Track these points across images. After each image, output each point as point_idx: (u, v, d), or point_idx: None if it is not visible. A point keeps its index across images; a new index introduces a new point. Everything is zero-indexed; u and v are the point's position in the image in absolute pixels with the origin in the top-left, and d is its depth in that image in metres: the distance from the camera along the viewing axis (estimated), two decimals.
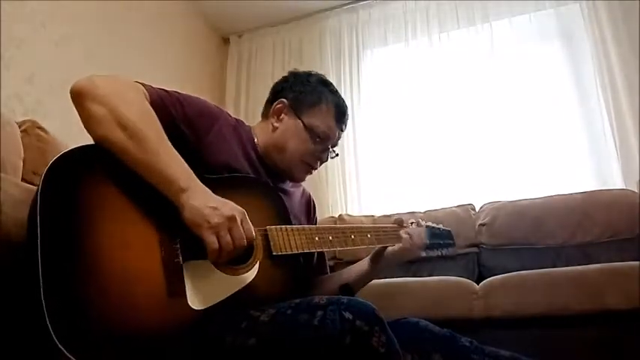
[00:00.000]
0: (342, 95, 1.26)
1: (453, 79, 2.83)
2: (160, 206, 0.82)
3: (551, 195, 2.20)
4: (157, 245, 0.79)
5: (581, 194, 2.16)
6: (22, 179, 1.37)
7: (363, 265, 1.20)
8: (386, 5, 3.08)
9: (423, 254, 1.24)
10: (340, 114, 1.19)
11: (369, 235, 1.12)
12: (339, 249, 1.06)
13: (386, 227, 1.19)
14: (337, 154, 1.21)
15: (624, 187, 2.25)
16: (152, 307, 0.74)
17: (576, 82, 2.65)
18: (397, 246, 1.15)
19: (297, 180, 1.20)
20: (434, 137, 2.78)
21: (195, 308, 0.78)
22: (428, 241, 1.23)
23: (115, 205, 0.78)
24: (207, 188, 0.85)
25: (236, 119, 1.15)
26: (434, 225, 1.31)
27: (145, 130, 0.84)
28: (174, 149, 0.86)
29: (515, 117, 2.66)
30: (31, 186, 1.07)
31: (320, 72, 1.25)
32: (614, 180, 2.37)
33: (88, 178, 0.79)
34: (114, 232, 0.76)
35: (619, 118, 2.41)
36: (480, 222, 2.24)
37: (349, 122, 3.15)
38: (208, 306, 0.79)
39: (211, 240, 0.80)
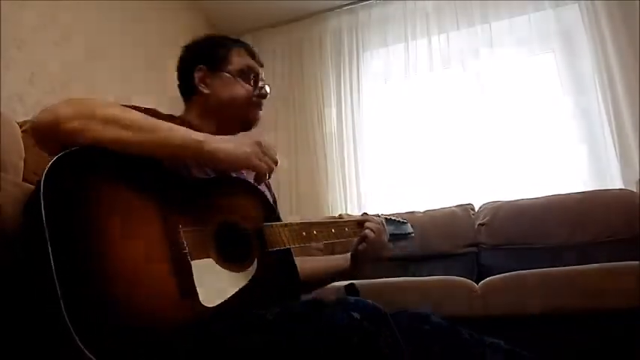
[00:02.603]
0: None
1: (453, 79, 2.83)
2: (166, 202, 0.82)
3: (550, 195, 2.21)
4: (165, 243, 0.79)
5: (580, 194, 2.17)
6: (23, 179, 1.37)
7: (342, 261, 1.23)
8: (385, 6, 3.09)
9: (391, 246, 1.26)
10: (250, 50, 1.25)
11: (346, 229, 1.18)
12: (323, 242, 1.11)
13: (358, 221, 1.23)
14: (269, 90, 1.24)
15: (623, 187, 2.26)
16: (164, 306, 0.74)
17: (575, 82, 2.65)
18: (362, 245, 1.18)
19: (254, 119, 1.21)
20: (433, 137, 2.79)
21: (208, 306, 0.78)
22: (390, 232, 1.25)
23: (120, 202, 0.78)
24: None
25: (168, 116, 1.12)
26: (391, 217, 1.34)
27: (131, 116, 0.84)
28: (163, 121, 0.88)
29: (514, 117, 2.66)
30: (32, 186, 1.08)
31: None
32: (613, 180, 2.37)
33: (91, 175, 0.78)
34: (121, 230, 0.76)
35: (618, 118, 2.41)
36: (479, 222, 2.24)
37: (349, 122, 3.17)
38: (219, 303, 0.80)
39: (258, 164, 0.91)
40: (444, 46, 2.90)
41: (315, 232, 1.07)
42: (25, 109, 1.87)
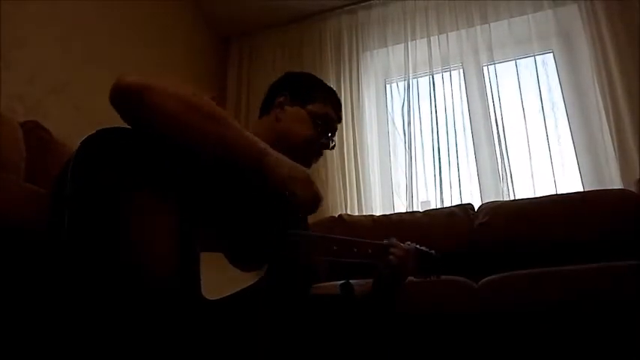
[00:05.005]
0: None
1: (452, 79, 2.84)
2: (184, 194, 0.81)
3: (550, 194, 2.21)
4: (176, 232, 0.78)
5: (580, 194, 2.17)
6: (24, 179, 1.38)
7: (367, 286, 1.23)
8: (385, 6, 3.09)
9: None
10: (336, 101, 1.29)
11: (369, 251, 1.16)
12: (342, 260, 1.09)
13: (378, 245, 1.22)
14: (335, 145, 1.31)
15: (623, 187, 2.26)
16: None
17: (575, 82, 2.66)
18: (385, 272, 1.18)
19: (307, 164, 1.22)
20: (433, 137, 2.79)
21: (208, 298, 0.78)
22: (417, 264, 1.25)
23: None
24: None
25: None
26: (424, 249, 1.33)
27: (218, 110, 0.88)
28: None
29: (513, 116, 2.67)
30: (32, 186, 1.08)
31: (319, 72, 1.31)
32: (613, 180, 2.38)
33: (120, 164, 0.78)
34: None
35: (617, 118, 2.41)
36: (478, 221, 2.24)
37: (349, 122, 3.16)
38: (220, 297, 0.80)
39: (317, 188, 0.92)
40: (444, 46, 2.90)
41: (335, 247, 1.06)
42: (25, 110, 1.87)
